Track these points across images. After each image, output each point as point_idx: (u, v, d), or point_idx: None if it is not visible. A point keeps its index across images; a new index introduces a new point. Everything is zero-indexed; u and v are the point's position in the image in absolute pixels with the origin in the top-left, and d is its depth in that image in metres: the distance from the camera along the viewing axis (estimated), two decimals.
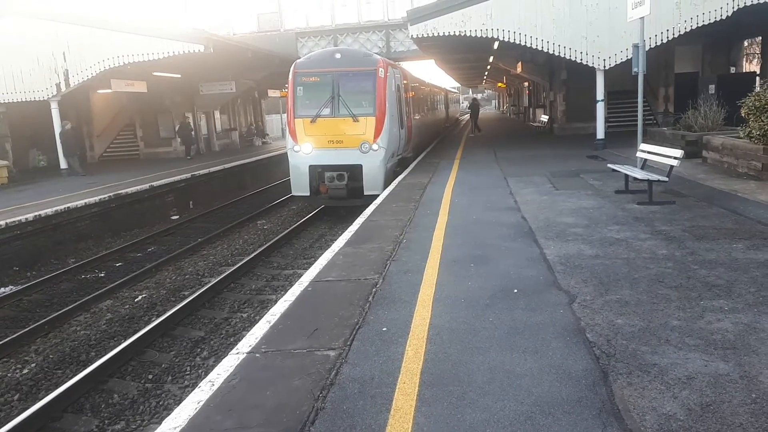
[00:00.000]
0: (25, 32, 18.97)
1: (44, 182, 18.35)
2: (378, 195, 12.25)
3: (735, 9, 15.83)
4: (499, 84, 51.47)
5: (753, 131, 10.95)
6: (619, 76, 17.74)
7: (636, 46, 12.01)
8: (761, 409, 3.21)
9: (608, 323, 4.50)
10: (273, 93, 35.34)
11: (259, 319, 5.25)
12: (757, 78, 22.89)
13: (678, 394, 3.40)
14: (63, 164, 19.90)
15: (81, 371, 6.63)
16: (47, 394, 6.16)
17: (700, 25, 16.19)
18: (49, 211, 12.73)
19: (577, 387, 3.56)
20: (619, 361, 3.85)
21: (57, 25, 18.91)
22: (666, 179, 9.01)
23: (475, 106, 33.39)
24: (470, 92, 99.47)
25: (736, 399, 3.33)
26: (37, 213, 12.44)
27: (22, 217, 12.08)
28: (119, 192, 15.08)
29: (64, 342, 7.99)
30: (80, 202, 13.67)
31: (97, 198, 14.24)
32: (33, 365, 7.31)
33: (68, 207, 13.24)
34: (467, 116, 68.49)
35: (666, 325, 4.40)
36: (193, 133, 26.04)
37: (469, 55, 28.31)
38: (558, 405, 3.37)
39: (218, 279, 9.85)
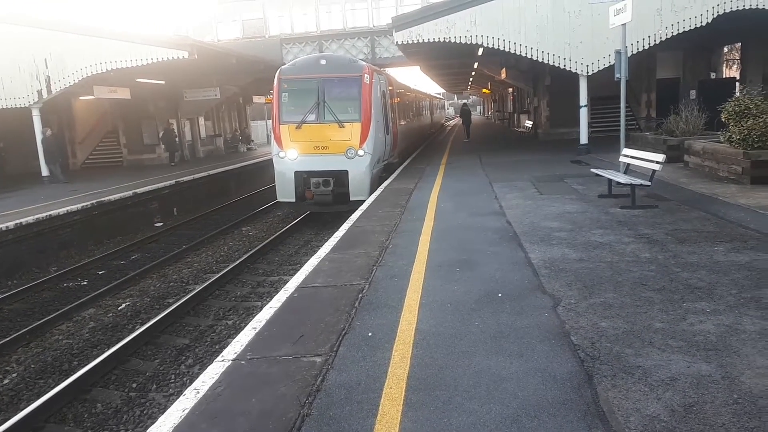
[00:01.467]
0: (6, 38, 18.75)
1: (26, 190, 18.12)
2: (364, 200, 12.25)
3: (715, 15, 16.11)
4: (484, 90, 51.80)
5: (733, 136, 11.13)
6: (602, 81, 17.94)
7: (618, 52, 12.20)
8: (743, 409, 3.25)
9: (592, 326, 4.53)
10: (258, 99, 35.19)
11: (245, 326, 5.22)
12: (737, 83, 23.33)
13: (661, 396, 3.43)
14: (45, 171, 19.66)
15: (63, 381, 6.54)
16: (29, 405, 6.06)
17: (680, 31, 16.46)
18: (30, 219, 12.56)
19: (563, 390, 3.58)
20: (604, 364, 3.88)
21: (38, 31, 18.71)
22: (648, 183, 9.12)
23: (466, 111, 31.83)
24: (455, 98, 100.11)
25: (718, 399, 3.37)
26: (18, 221, 12.27)
27: (3, 226, 11.90)
28: (102, 199, 14.93)
29: (46, 351, 7.87)
30: (62, 210, 13.51)
31: (79, 205, 14.08)
32: (14, 375, 7.20)
33: (50, 215, 13.08)
34: (453, 122, 68.94)
35: (649, 328, 4.44)
36: (177, 139, 25.89)
37: (454, 62, 28.49)
38: (543, 408, 3.39)
39: (203, 286, 9.78)
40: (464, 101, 46.01)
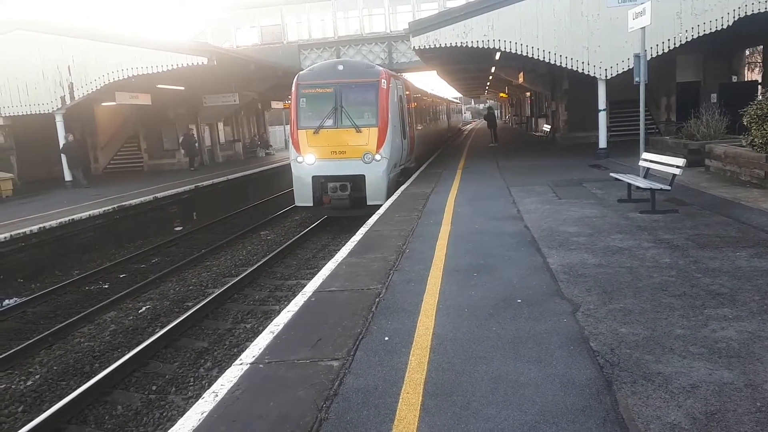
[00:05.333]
0: (31, 46, 19.17)
1: (48, 194, 18.45)
2: (381, 205, 12.27)
3: (735, 18, 15.89)
4: (501, 94, 51.66)
5: (755, 140, 10.96)
6: (621, 85, 17.77)
7: (637, 56, 12.07)
8: (766, 417, 3.19)
9: (612, 332, 4.49)
10: (276, 104, 35.50)
11: (263, 330, 5.26)
12: (759, 86, 22.96)
13: (682, 403, 3.39)
14: (67, 176, 20.02)
15: (85, 383, 6.64)
16: (51, 406, 6.16)
17: (701, 34, 16.26)
18: (53, 223, 12.78)
19: (582, 396, 3.55)
20: (624, 370, 3.84)
21: (62, 38, 19.12)
22: (669, 188, 9.01)
23: (491, 115, 32.06)
24: (472, 102, 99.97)
25: (741, 408, 3.31)
26: (41, 225, 12.50)
27: (27, 229, 12.13)
28: (123, 204, 15.14)
29: (68, 353, 8.00)
30: (84, 214, 13.72)
31: (101, 210, 14.30)
32: (37, 377, 7.33)
33: (72, 219, 13.30)
34: (470, 126, 68.76)
35: (670, 334, 4.39)
36: (196, 144, 26.18)
37: (471, 66, 28.42)
38: (562, 414, 3.37)
39: (222, 290, 9.86)
40: (489, 106, 45.81)
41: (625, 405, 3.40)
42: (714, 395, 3.46)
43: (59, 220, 12.98)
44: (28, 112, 19.76)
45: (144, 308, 9.79)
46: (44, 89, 19.45)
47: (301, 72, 14.94)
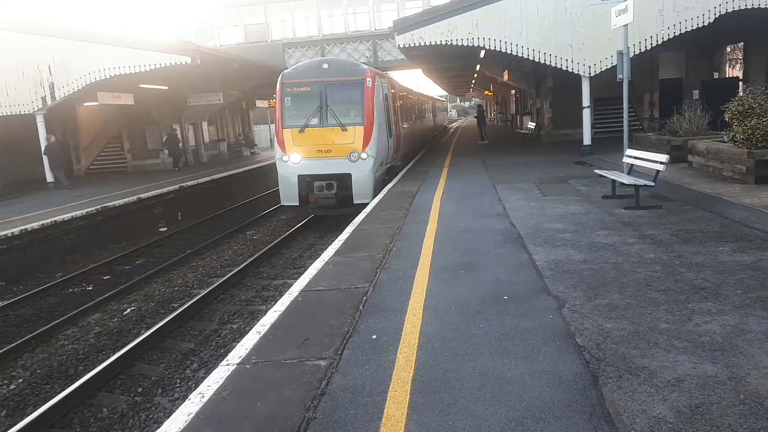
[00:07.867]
0: (10, 46, 18.88)
1: (30, 196, 18.20)
2: (367, 204, 12.26)
3: (717, 15, 16.09)
4: (486, 92, 51.81)
5: (737, 135, 11.09)
6: (605, 82, 17.91)
7: (620, 53, 12.18)
8: (750, 409, 3.24)
9: (597, 327, 4.52)
10: (261, 103, 35.34)
11: (249, 330, 5.23)
12: (740, 83, 23.27)
13: (667, 397, 3.42)
14: (49, 178, 19.75)
15: (69, 386, 6.55)
16: (35, 410, 6.08)
17: (682, 31, 16.44)
18: (35, 224, 12.60)
19: (568, 391, 3.57)
20: (609, 365, 3.87)
21: (42, 38, 18.84)
22: (652, 184, 9.09)
23: (480, 113, 32.55)
24: (458, 100, 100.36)
25: (724, 400, 3.35)
26: (23, 227, 12.32)
27: (8, 232, 11.96)
28: (106, 205, 14.97)
29: (52, 357, 7.90)
30: (67, 216, 13.55)
31: (84, 211, 14.13)
32: (20, 380, 7.23)
33: (55, 221, 13.13)
34: (456, 124, 68.98)
35: (655, 329, 4.43)
36: (180, 144, 25.97)
37: (456, 64, 28.50)
38: (549, 410, 3.38)
39: (207, 290, 9.79)
40: (480, 105, 46.00)
41: (611, 399, 3.43)
42: (698, 388, 3.50)
43: (41, 222, 12.80)
44: (9, 113, 19.45)
45: (129, 310, 9.69)
46: (24, 89, 19.16)
47: (285, 70, 14.86)
